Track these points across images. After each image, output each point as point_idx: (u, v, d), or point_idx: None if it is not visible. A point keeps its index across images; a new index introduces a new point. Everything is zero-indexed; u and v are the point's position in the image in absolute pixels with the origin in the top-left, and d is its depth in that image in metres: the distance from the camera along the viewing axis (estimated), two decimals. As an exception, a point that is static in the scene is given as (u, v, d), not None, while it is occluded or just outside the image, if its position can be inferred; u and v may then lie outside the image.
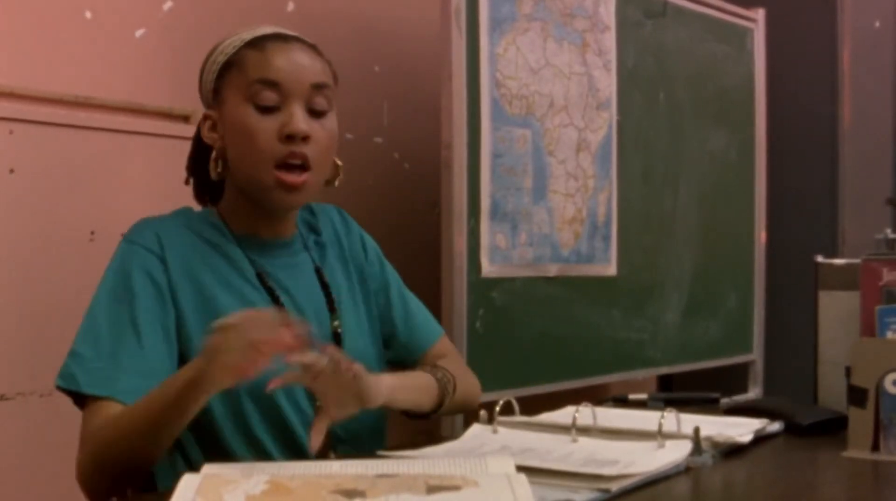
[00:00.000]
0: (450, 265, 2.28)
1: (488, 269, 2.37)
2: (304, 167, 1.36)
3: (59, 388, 1.31)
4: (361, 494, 0.93)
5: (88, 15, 2.06)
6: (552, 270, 2.54)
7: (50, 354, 1.99)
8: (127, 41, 2.11)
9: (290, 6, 2.44)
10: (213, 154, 1.41)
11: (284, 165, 1.35)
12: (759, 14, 3.29)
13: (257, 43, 1.39)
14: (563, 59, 2.57)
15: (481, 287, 2.35)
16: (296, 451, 1.34)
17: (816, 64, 3.53)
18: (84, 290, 2.02)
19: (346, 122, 2.61)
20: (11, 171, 1.94)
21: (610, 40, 2.72)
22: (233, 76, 1.38)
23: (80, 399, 1.31)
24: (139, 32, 2.13)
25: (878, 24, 3.70)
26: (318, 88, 1.38)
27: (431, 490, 0.95)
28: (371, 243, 1.60)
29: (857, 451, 1.41)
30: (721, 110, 3.15)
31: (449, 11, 2.28)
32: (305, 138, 1.35)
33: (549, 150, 2.53)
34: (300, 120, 1.35)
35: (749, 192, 3.28)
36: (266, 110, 1.35)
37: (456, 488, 0.95)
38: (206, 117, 1.43)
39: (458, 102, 2.29)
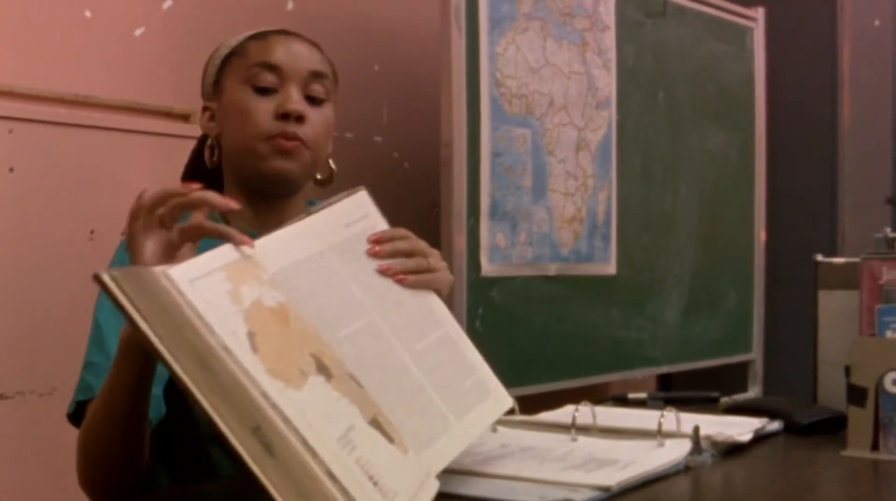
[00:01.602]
0: (449, 264, 2.26)
1: (488, 268, 2.37)
2: (298, 141, 1.35)
3: (80, 403, 1.26)
4: (328, 375, 0.93)
5: (88, 14, 2.06)
6: (552, 269, 2.54)
7: (49, 353, 1.99)
8: (126, 40, 2.11)
9: (290, 5, 2.44)
10: (209, 142, 1.41)
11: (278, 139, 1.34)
12: (759, 13, 3.29)
13: (260, 35, 1.41)
14: (563, 59, 2.57)
15: (481, 286, 2.35)
16: None
17: (816, 63, 3.53)
18: (84, 289, 2.02)
19: (346, 121, 2.62)
20: (11, 170, 1.94)
21: (610, 39, 2.72)
22: (233, 64, 1.39)
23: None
24: (139, 31, 2.13)
25: (877, 22, 3.70)
26: (317, 75, 1.38)
27: (372, 423, 0.95)
28: None
29: (857, 450, 1.41)
30: (721, 109, 3.15)
31: (448, 10, 2.28)
32: (300, 119, 1.34)
33: (548, 149, 2.53)
34: (296, 100, 1.35)
35: (749, 191, 3.28)
36: (264, 91, 1.35)
37: (389, 440, 0.95)
38: (205, 108, 1.43)
39: (457, 101, 2.29)
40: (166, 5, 2.18)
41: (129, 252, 1.07)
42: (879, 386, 1.40)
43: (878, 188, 3.60)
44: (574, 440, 1.38)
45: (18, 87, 1.94)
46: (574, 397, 1.66)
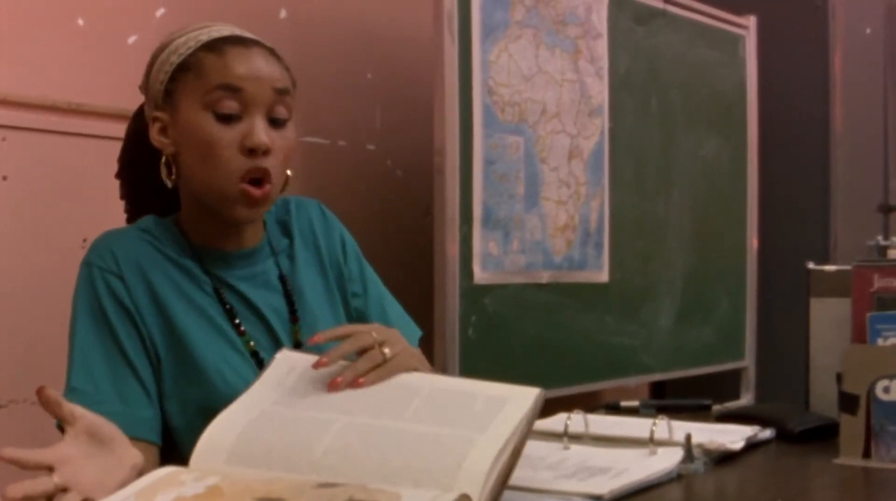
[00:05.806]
0: (442, 272, 2.28)
1: (480, 276, 2.37)
2: (265, 180, 1.32)
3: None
4: None
5: (81, 22, 2.06)
6: (544, 276, 2.54)
7: (42, 361, 1.99)
8: (120, 48, 2.11)
9: (283, 13, 2.44)
10: (164, 160, 1.36)
11: (247, 179, 1.31)
12: (751, 21, 3.30)
13: (215, 46, 1.33)
14: (556, 66, 2.58)
15: (474, 294, 2.35)
16: None
17: (808, 70, 3.54)
18: (76, 297, 2.03)
19: (339, 129, 2.62)
20: (4, 178, 1.93)
21: (602, 47, 2.73)
22: (189, 80, 1.33)
23: None
24: (132, 39, 2.13)
25: (868, 30, 3.71)
26: (280, 94, 1.33)
27: None
28: (351, 242, 1.54)
29: (849, 458, 1.41)
30: (713, 117, 3.16)
31: (441, 18, 2.28)
32: (266, 152, 1.31)
33: (541, 157, 2.54)
34: (262, 132, 1.31)
35: (741, 198, 3.29)
36: (226, 119, 1.30)
37: None
38: (154, 119, 1.38)
39: (450, 108, 2.29)
40: (159, 13, 2.18)
41: None
42: (871, 394, 1.40)
43: (870, 196, 3.61)
44: (566, 448, 1.38)
45: (12, 95, 1.94)
46: (566, 405, 1.66)
